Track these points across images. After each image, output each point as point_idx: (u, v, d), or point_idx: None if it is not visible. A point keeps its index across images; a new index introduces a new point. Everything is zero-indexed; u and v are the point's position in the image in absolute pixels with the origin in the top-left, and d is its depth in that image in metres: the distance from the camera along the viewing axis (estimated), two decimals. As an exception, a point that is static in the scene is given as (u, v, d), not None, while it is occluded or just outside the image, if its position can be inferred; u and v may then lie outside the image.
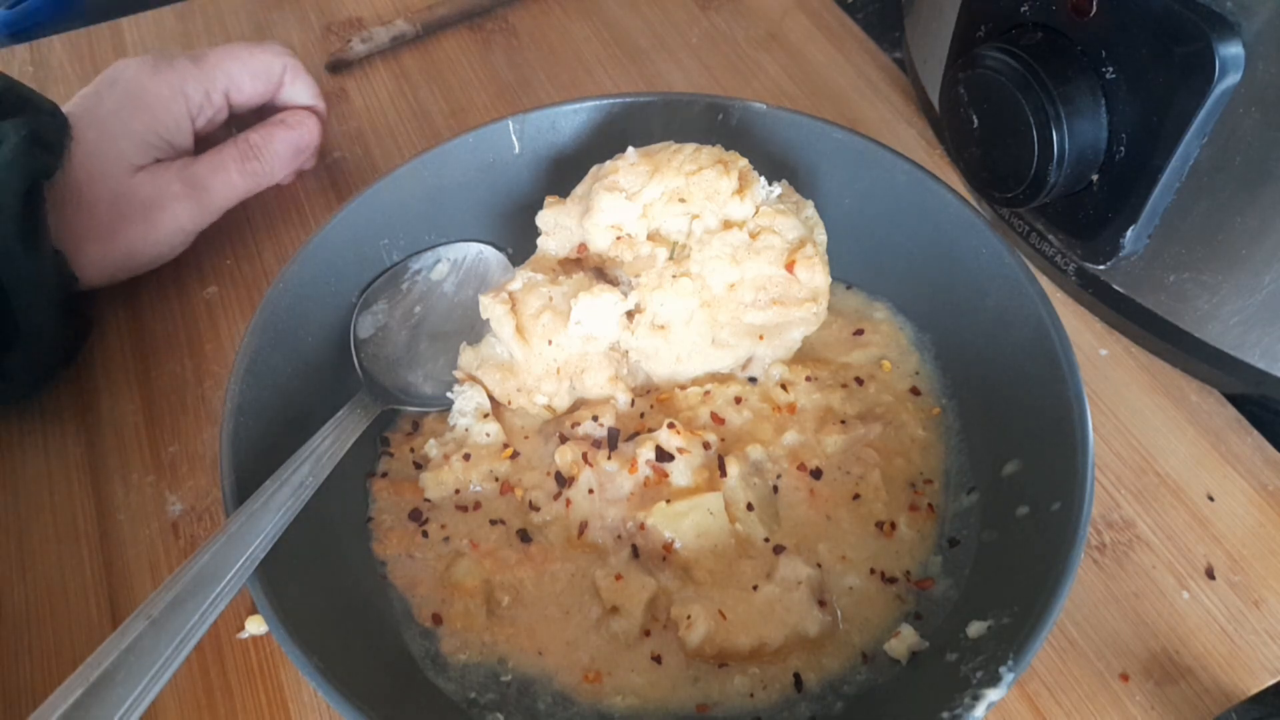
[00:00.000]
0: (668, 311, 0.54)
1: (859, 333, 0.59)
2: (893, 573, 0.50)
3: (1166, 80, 0.48)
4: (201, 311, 0.66)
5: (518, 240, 0.61)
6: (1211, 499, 0.56)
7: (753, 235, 0.53)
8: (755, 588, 0.49)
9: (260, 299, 0.52)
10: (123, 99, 0.59)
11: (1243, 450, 0.58)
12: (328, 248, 0.55)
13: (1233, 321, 0.54)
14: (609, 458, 0.53)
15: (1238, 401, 0.60)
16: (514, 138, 0.60)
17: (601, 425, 0.54)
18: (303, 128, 0.65)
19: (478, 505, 0.53)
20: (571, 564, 0.51)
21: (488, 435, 0.55)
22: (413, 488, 0.54)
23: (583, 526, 0.52)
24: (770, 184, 0.54)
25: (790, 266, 0.53)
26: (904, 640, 0.47)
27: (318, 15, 0.86)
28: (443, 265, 0.61)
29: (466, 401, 0.55)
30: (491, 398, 0.56)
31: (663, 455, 0.52)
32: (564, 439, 0.54)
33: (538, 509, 0.53)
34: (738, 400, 0.55)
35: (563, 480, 0.53)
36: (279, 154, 0.64)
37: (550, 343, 0.54)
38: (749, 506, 0.51)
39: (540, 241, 0.57)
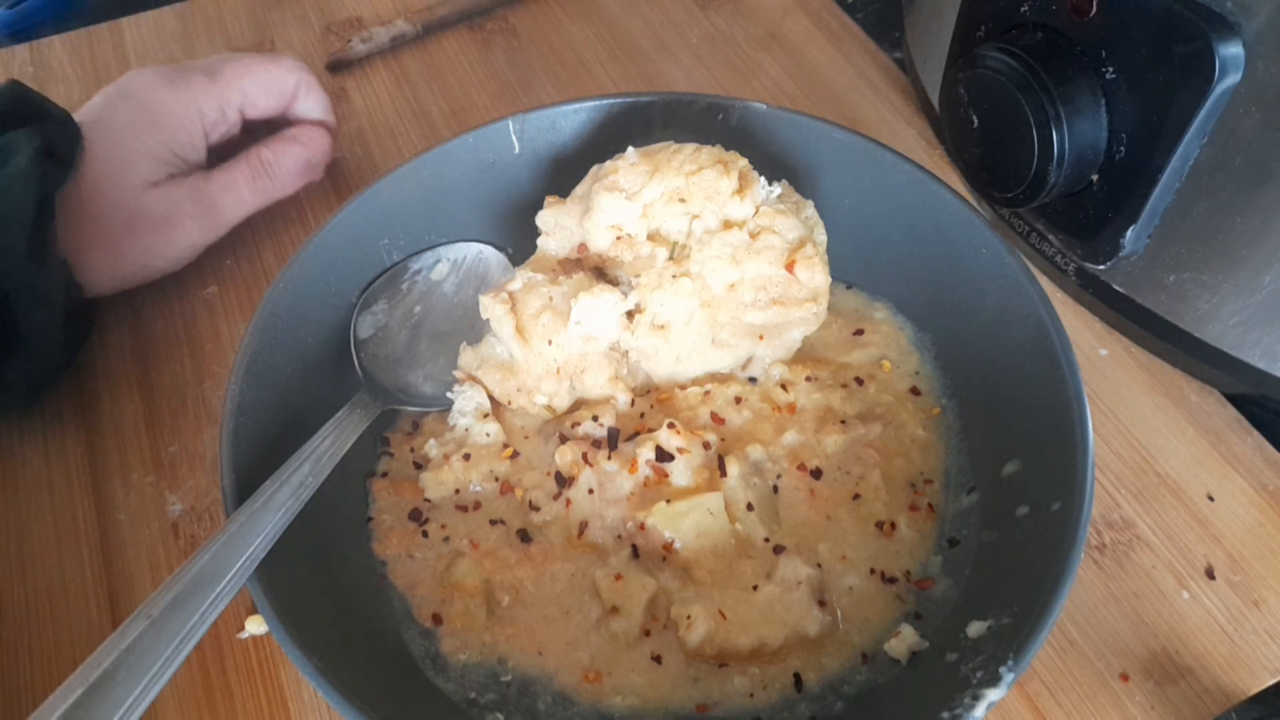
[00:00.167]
0: (668, 311, 0.54)
1: (859, 333, 0.59)
2: (893, 573, 0.50)
3: (1166, 80, 0.48)
4: (201, 311, 0.66)
5: (518, 240, 0.61)
6: (1211, 499, 0.56)
7: (753, 235, 0.53)
8: (755, 588, 0.49)
9: (260, 299, 0.52)
10: (136, 112, 0.59)
11: (1243, 450, 0.58)
12: (328, 248, 0.55)
13: (1233, 321, 0.54)
14: (609, 458, 0.53)
15: (1238, 401, 0.60)
16: (514, 138, 0.60)
17: (601, 425, 0.54)
18: (314, 145, 0.66)
19: (478, 505, 0.53)
20: (571, 564, 0.51)
21: (488, 435, 0.55)
22: (413, 488, 0.54)
23: (583, 526, 0.52)
24: (770, 184, 0.54)
25: (790, 266, 0.53)
26: (904, 640, 0.47)
27: (318, 15, 0.86)
28: (443, 265, 0.61)
29: (466, 401, 0.55)
30: (491, 398, 0.56)
31: (663, 455, 0.52)
32: (564, 439, 0.54)
33: (538, 509, 0.53)
34: (738, 400, 0.55)
35: (563, 480, 0.53)
36: (290, 170, 0.65)
37: (550, 343, 0.54)
38: (749, 506, 0.51)
39: (540, 241, 0.57)
